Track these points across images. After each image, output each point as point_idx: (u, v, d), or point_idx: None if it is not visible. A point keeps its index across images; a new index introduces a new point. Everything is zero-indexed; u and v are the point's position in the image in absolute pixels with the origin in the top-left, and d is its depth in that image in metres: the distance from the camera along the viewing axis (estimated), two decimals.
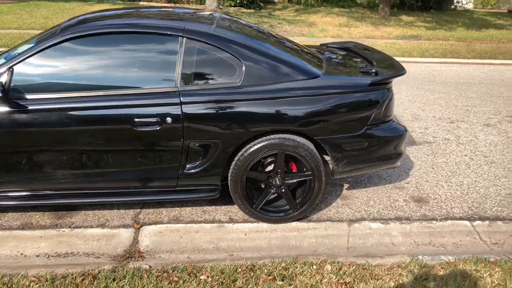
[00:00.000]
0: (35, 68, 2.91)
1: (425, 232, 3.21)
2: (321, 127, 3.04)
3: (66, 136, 2.88)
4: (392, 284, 2.61)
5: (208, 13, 3.79)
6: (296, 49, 3.55)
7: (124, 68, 2.99)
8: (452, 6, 18.26)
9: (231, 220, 3.28)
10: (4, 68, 2.82)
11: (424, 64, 8.84)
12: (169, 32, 2.98)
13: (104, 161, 2.98)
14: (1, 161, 2.90)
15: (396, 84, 6.70)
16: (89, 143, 2.91)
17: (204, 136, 2.95)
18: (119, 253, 2.91)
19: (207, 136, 2.95)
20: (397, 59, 6.42)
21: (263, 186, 3.20)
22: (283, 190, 3.16)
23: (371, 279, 2.63)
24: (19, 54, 2.92)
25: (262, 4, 16.15)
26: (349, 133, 3.10)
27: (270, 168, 3.17)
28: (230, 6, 15.76)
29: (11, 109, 2.78)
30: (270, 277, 2.62)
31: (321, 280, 2.61)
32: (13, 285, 2.50)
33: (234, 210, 3.38)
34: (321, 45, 4.44)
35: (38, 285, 2.51)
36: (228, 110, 2.93)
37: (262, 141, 2.99)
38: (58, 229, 3.11)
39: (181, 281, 2.57)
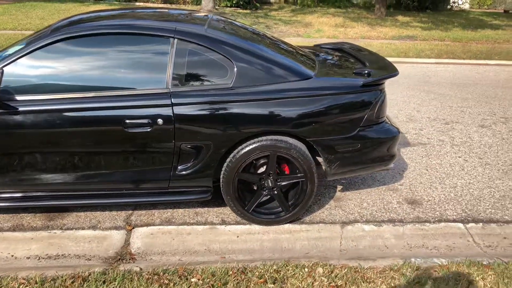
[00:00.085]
0: (25, 69, 2.89)
1: (418, 235, 3.20)
2: (313, 128, 3.02)
3: (57, 137, 2.86)
4: (384, 287, 2.59)
5: (203, 14, 3.77)
6: (289, 50, 3.54)
7: (115, 69, 2.97)
8: (448, 6, 18.29)
9: (224, 222, 3.26)
10: None
11: (419, 65, 8.85)
12: (160, 33, 2.97)
13: (95, 163, 2.96)
14: None
15: (391, 85, 6.71)
16: (80, 145, 2.89)
17: (195, 138, 2.93)
18: (110, 255, 2.89)
19: (198, 137, 2.93)
20: (393, 59, 6.41)
21: (255, 188, 3.18)
22: (276, 192, 3.15)
23: (363, 282, 2.62)
24: (10, 55, 2.89)
25: (258, 5, 16.14)
26: (342, 134, 3.09)
27: (262, 169, 3.15)
28: (226, 6, 15.74)
29: (1, 111, 2.76)
30: (261, 280, 2.60)
31: (312, 283, 2.59)
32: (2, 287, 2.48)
33: (226, 212, 3.36)
34: (315, 45, 4.42)
35: (27, 287, 2.49)
36: (219, 112, 2.92)
37: (254, 143, 2.98)
38: (49, 231, 3.08)
39: (171, 284, 2.55)
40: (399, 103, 6.17)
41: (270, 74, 3.02)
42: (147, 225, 3.20)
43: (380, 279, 2.65)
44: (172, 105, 2.86)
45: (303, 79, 3.07)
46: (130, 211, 3.35)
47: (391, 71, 3.29)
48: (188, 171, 3.02)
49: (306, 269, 2.71)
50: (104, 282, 2.54)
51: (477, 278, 2.66)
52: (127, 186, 3.06)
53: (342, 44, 4.24)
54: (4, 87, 2.78)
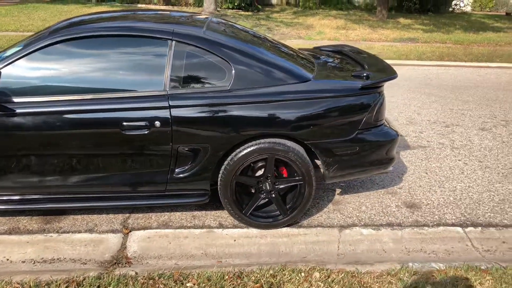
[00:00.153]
0: (23, 71, 2.88)
1: (417, 239, 3.18)
2: (312, 131, 3.01)
3: (54, 139, 2.85)
4: None
5: (204, 16, 3.75)
6: (288, 52, 3.52)
7: (113, 71, 2.97)
8: (450, 9, 18.26)
9: (221, 226, 3.24)
10: None
11: (421, 67, 8.82)
12: (158, 35, 2.96)
13: (92, 165, 2.95)
14: None
15: (392, 87, 6.69)
16: (77, 147, 2.89)
17: (193, 140, 2.92)
18: (106, 259, 2.87)
19: (196, 140, 2.92)
20: (394, 62, 6.39)
21: (253, 191, 3.17)
22: (273, 195, 3.13)
23: (360, 287, 2.59)
24: (7, 56, 2.89)
25: (260, 7, 16.15)
26: (340, 137, 3.07)
27: (260, 172, 3.13)
28: (228, 8, 15.75)
29: None
30: (257, 285, 2.58)
31: None
32: None
33: (224, 215, 3.34)
34: (315, 48, 4.41)
35: None
36: (217, 114, 2.90)
37: (251, 145, 2.96)
38: (45, 234, 3.07)
39: None
40: (400, 105, 6.14)
41: (269, 76, 3.00)
42: (144, 228, 3.18)
43: (377, 284, 2.63)
44: (170, 107, 2.85)
45: (301, 82, 3.05)
46: (127, 214, 3.33)
47: (390, 74, 3.27)
48: (185, 174, 3.00)
49: (302, 274, 2.68)
50: (98, 287, 2.52)
51: (475, 283, 2.64)
52: (124, 188, 3.05)
53: (341, 47, 4.23)
54: (2, 88, 2.78)
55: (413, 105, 6.19)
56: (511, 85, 7.59)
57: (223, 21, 3.88)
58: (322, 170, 3.19)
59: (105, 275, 2.61)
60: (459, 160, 4.44)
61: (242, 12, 15.35)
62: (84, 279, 2.56)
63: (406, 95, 6.66)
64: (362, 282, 2.63)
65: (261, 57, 3.06)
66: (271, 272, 2.69)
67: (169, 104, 2.84)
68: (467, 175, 4.12)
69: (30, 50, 2.87)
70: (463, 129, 5.31)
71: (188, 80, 2.93)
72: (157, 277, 2.61)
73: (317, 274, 2.68)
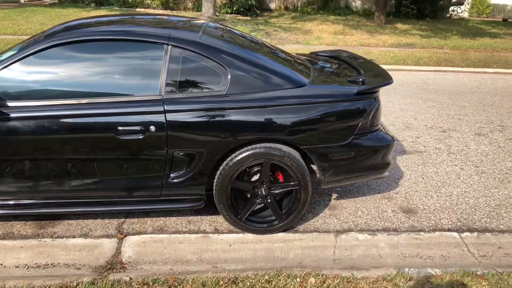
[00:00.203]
0: (18, 74, 2.87)
1: (413, 244, 3.17)
2: (307, 136, 3.00)
3: (49, 144, 2.84)
4: None
5: (202, 21, 3.75)
6: (284, 57, 3.53)
7: (108, 76, 2.96)
8: (448, 15, 18.34)
9: (216, 231, 3.23)
10: None
11: (418, 72, 8.84)
12: (154, 40, 2.95)
13: (87, 170, 2.94)
14: None
15: (389, 92, 6.70)
16: (72, 152, 2.87)
17: (188, 145, 2.91)
18: (100, 264, 2.86)
19: (191, 145, 2.91)
20: (392, 67, 6.39)
21: (248, 196, 3.16)
22: (269, 200, 3.12)
23: None
24: (2, 60, 2.88)
25: (258, 12, 16.19)
26: (336, 142, 3.06)
27: (256, 177, 3.12)
28: (227, 13, 15.79)
29: None
30: None
31: None
32: None
33: (219, 220, 3.33)
34: (311, 53, 4.41)
35: None
36: (213, 119, 2.90)
37: (247, 150, 2.95)
38: (39, 239, 3.05)
39: None
40: (397, 110, 6.15)
41: (264, 81, 3.00)
42: (139, 233, 3.17)
43: None
44: (165, 112, 2.84)
45: (297, 87, 3.05)
46: (123, 219, 3.32)
47: (386, 79, 3.26)
48: (180, 179, 2.99)
49: (298, 279, 2.67)
50: None
51: None
52: (119, 193, 3.04)
53: (338, 52, 4.24)
54: None
55: (410, 110, 6.19)
56: (507, 90, 7.61)
57: (221, 26, 3.88)
58: (318, 175, 3.18)
59: (99, 281, 2.60)
60: (455, 165, 4.44)
61: (241, 17, 15.38)
62: (77, 285, 2.55)
63: (403, 100, 6.66)
64: None
65: (257, 62, 3.06)
66: (266, 277, 2.68)
67: (164, 109, 2.84)
68: (464, 180, 4.12)
69: (25, 54, 2.86)
70: (460, 134, 5.31)
71: (184, 84, 2.93)
72: (151, 283, 2.59)
73: (312, 280, 2.66)
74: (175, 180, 2.99)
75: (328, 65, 3.85)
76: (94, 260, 2.89)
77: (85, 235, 3.12)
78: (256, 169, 3.10)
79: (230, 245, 3.08)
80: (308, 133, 3.01)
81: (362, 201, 3.70)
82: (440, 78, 8.42)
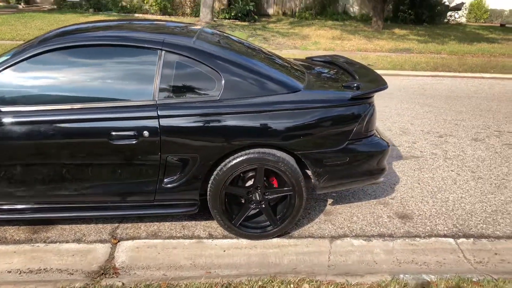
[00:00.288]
0: (11, 80, 2.86)
1: (408, 250, 3.16)
2: (301, 141, 2.99)
3: (41, 149, 2.83)
4: None
5: (198, 27, 3.74)
6: (279, 62, 3.52)
7: (102, 81, 2.95)
8: (445, 20, 18.38)
9: (211, 236, 3.21)
10: None
11: (415, 78, 8.85)
12: (148, 45, 2.95)
13: (80, 175, 2.92)
14: None
15: (386, 97, 6.70)
16: (65, 157, 2.86)
17: (181, 150, 2.90)
18: (93, 269, 2.84)
19: (185, 150, 2.90)
20: (389, 72, 6.38)
21: (243, 201, 3.14)
22: (263, 206, 3.11)
23: None
24: None
25: (256, 17, 16.22)
26: (330, 148, 3.05)
27: (250, 183, 3.11)
28: (225, 18, 15.82)
29: None
30: None
31: None
32: None
33: (214, 225, 3.31)
34: (307, 58, 4.42)
35: None
36: (206, 124, 2.89)
37: (241, 156, 2.94)
38: (32, 244, 3.03)
39: None
40: (393, 115, 6.15)
41: (258, 86, 2.99)
42: (133, 238, 3.15)
43: None
44: (159, 117, 2.83)
45: (291, 92, 3.05)
46: (116, 224, 3.30)
47: (380, 84, 3.26)
48: (174, 184, 2.98)
49: (292, 285, 2.66)
50: None
51: None
52: (113, 198, 3.02)
53: (333, 57, 4.23)
54: None
55: (407, 115, 6.19)
56: (504, 95, 7.62)
57: (216, 31, 3.88)
58: (312, 180, 3.17)
59: (91, 286, 2.58)
60: (452, 170, 4.43)
61: (239, 22, 15.41)
62: None
63: (400, 105, 6.66)
64: None
65: (251, 67, 3.06)
66: (260, 283, 2.66)
67: (157, 114, 2.83)
68: (460, 186, 4.11)
69: (19, 59, 2.86)
70: (456, 139, 5.31)
71: (177, 89, 2.92)
72: None
73: (306, 286, 2.65)
74: (169, 185, 2.97)
75: (323, 71, 3.85)
76: (87, 265, 2.87)
77: (78, 240, 3.10)
78: (250, 174, 3.09)
79: (224, 251, 3.06)
80: (302, 138, 3.00)
81: (358, 207, 3.69)
82: (437, 83, 8.43)
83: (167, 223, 3.34)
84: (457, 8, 18.85)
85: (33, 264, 2.86)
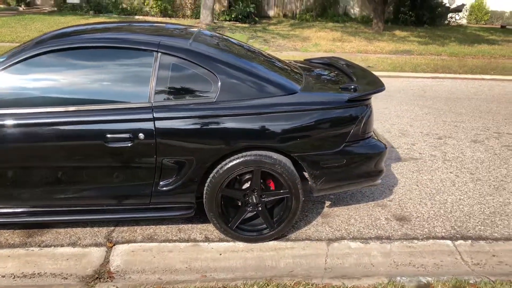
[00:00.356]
0: (6, 82, 2.85)
1: (406, 252, 3.13)
2: (298, 143, 2.98)
3: (36, 152, 2.81)
4: None
5: (196, 29, 3.73)
6: (276, 64, 3.51)
7: (97, 83, 2.94)
8: (446, 21, 18.37)
9: (207, 239, 3.19)
10: None
11: (415, 79, 8.82)
12: (143, 47, 2.94)
13: (76, 178, 2.91)
14: None
15: (386, 99, 6.68)
16: (60, 159, 2.84)
17: (177, 153, 2.88)
18: (88, 273, 2.82)
19: (180, 152, 2.89)
20: (389, 74, 6.37)
21: (239, 204, 3.12)
22: (260, 208, 3.09)
23: None
24: None
25: (257, 19, 16.23)
26: (327, 150, 3.03)
27: (247, 185, 3.09)
28: (225, 20, 15.83)
29: None
30: None
31: None
32: None
33: (210, 228, 3.29)
34: (305, 60, 4.40)
35: None
36: (202, 126, 2.87)
37: (237, 158, 2.93)
38: (27, 248, 3.01)
39: None
40: (393, 117, 6.12)
41: (255, 88, 2.98)
42: (129, 242, 3.13)
43: None
44: (154, 119, 2.82)
45: (288, 94, 3.03)
46: (112, 227, 3.28)
47: (378, 86, 3.24)
48: (170, 187, 2.96)
49: None
50: None
51: None
52: (108, 201, 3.00)
53: (332, 59, 4.22)
54: None
55: (406, 117, 6.17)
56: (504, 97, 7.59)
57: (214, 33, 3.87)
58: (309, 182, 3.15)
59: None
60: (450, 172, 4.41)
61: (239, 24, 15.42)
62: None
63: (399, 107, 6.64)
64: None
65: (247, 69, 3.04)
66: (255, 287, 2.64)
67: (153, 116, 2.81)
68: (458, 188, 4.08)
69: (15, 61, 2.85)
70: (456, 141, 5.28)
71: (173, 92, 2.91)
72: None
73: None
74: (165, 188, 2.95)
75: (321, 73, 3.83)
76: (82, 270, 2.85)
77: (73, 244, 3.08)
78: (247, 176, 3.07)
79: (221, 254, 3.04)
80: (299, 140, 2.98)
81: (355, 209, 3.67)
82: (437, 84, 8.41)
83: (164, 226, 3.32)
84: (458, 9, 18.83)
85: (27, 268, 2.84)
